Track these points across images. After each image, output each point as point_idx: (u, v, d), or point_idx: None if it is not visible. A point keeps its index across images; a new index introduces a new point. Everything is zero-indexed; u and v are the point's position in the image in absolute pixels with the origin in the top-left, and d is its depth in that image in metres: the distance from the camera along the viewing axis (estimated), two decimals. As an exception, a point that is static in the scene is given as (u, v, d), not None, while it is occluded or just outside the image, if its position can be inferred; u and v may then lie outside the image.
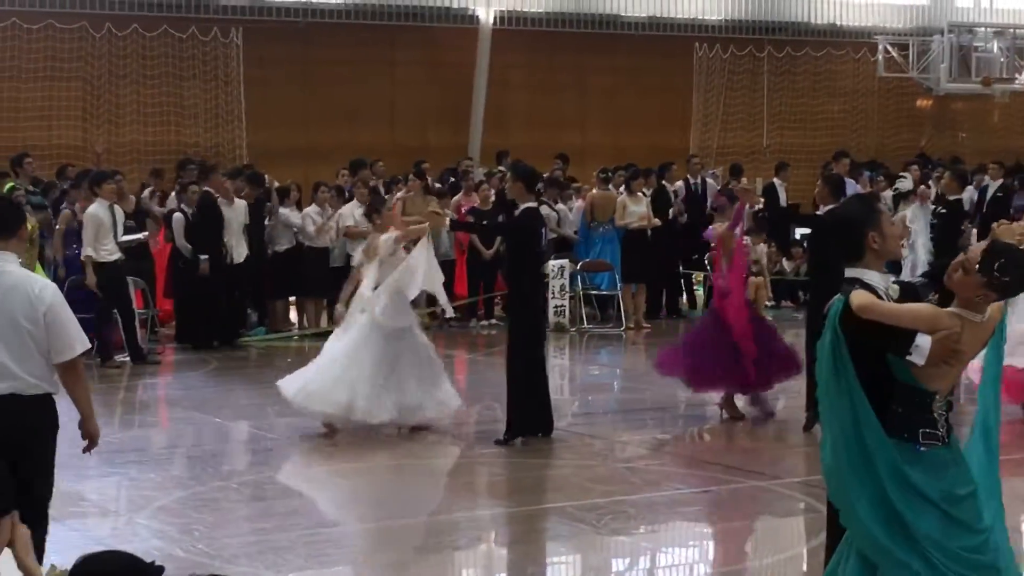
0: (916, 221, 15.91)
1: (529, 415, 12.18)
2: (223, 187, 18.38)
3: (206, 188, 18.27)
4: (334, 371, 12.33)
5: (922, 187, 16.32)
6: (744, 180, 16.84)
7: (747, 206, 13.19)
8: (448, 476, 11.69)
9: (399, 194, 20.15)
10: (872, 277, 5.68)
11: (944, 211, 15.79)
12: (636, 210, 20.53)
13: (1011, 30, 30.69)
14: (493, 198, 20.44)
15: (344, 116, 25.65)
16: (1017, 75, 30.61)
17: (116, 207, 16.84)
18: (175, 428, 13.82)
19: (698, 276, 22.58)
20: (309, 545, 9.07)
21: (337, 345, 12.60)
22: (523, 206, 12.41)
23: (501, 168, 22.80)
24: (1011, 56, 30.41)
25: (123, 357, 16.86)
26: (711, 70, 28.90)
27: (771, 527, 10.00)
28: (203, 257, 17.93)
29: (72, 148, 23.45)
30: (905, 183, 15.90)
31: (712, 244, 14.16)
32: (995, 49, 30.36)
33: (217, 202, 18.18)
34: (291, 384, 12.52)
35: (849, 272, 5.73)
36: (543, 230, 12.49)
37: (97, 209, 16.55)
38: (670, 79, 28.45)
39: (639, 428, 13.39)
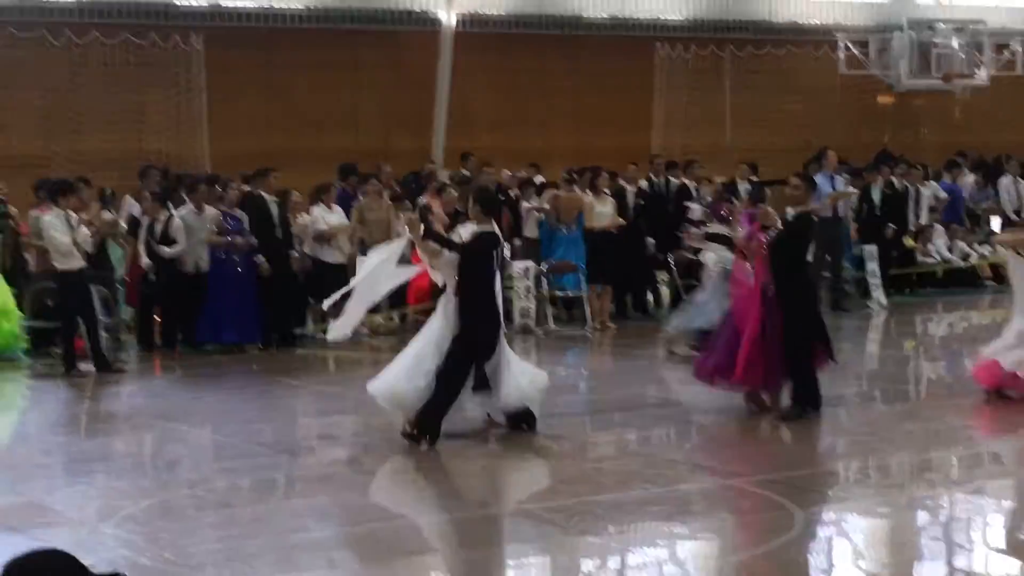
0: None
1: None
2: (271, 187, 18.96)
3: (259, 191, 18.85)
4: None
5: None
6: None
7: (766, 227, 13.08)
8: (414, 480, 11.66)
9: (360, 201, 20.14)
10: None
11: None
12: (603, 211, 20.57)
13: (970, 26, 30.85)
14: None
15: (308, 121, 25.60)
16: (977, 71, 30.77)
17: (71, 214, 16.72)
18: (141, 436, 13.73)
19: (663, 276, 22.61)
20: (276, 551, 9.03)
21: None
22: (480, 229, 12.56)
23: (464, 171, 22.73)
24: (971, 52, 30.58)
25: (88, 366, 16.81)
26: (673, 70, 28.97)
27: (739, 525, 10.02)
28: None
29: (33, 157, 23.23)
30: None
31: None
32: (955, 45, 30.52)
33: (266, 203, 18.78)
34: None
35: None
36: (496, 251, 12.55)
37: (55, 218, 16.52)
38: (632, 79, 28.49)
39: (606, 428, 13.41)
